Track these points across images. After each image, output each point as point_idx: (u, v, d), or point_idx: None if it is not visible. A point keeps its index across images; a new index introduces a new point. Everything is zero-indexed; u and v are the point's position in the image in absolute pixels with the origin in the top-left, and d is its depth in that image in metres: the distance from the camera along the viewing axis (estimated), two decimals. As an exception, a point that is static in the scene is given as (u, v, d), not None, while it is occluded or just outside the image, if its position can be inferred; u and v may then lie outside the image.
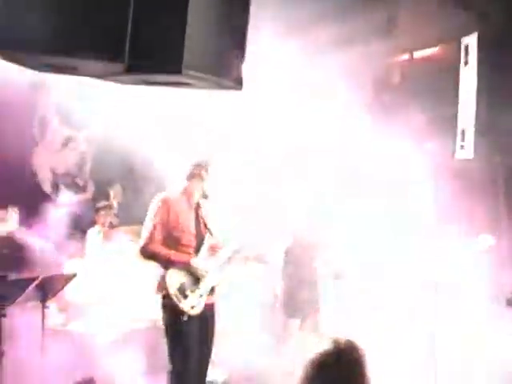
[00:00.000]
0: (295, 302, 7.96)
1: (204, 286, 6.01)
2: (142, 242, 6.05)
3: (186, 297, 5.90)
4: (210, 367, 6.34)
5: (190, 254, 6.05)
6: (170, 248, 6.02)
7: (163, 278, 5.98)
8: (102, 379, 6.94)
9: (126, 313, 7.97)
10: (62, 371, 6.53)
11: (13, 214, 7.80)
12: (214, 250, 6.12)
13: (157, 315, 6.28)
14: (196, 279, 5.98)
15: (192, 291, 5.92)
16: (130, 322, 8.10)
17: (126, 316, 8.02)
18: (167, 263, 5.99)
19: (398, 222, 8.38)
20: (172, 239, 6.04)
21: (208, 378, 6.44)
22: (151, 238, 5.98)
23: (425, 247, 7.91)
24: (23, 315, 7.34)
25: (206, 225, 6.22)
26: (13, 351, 6.35)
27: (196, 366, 6.03)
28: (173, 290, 5.90)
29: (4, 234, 7.79)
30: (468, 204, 8.41)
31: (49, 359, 6.65)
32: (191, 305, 5.92)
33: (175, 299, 5.88)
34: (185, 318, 5.86)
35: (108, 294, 7.84)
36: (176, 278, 5.93)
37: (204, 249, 6.09)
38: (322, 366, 2.92)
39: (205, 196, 6.24)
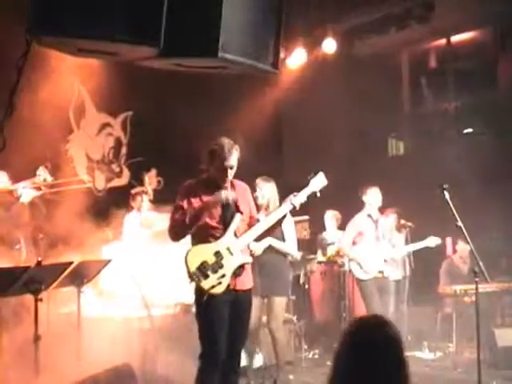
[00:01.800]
0: None
1: (228, 264, 5.78)
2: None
3: (206, 277, 5.79)
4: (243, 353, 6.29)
5: (217, 236, 5.86)
6: (197, 231, 5.85)
7: (186, 254, 5.87)
8: (139, 364, 6.95)
9: (162, 298, 7.99)
10: (98, 356, 6.54)
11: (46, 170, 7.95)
12: (243, 229, 5.90)
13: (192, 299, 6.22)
14: (220, 259, 5.78)
15: (214, 271, 5.77)
16: (166, 307, 8.13)
17: (163, 301, 8.04)
18: (187, 225, 5.81)
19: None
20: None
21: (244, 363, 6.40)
22: (172, 219, 5.90)
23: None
24: (59, 300, 7.41)
25: (236, 205, 6.04)
26: (49, 336, 6.38)
27: (228, 351, 5.94)
28: (193, 269, 5.80)
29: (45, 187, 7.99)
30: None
31: (85, 344, 6.69)
32: (211, 284, 5.77)
33: (195, 278, 5.78)
34: (204, 298, 5.74)
35: (144, 279, 7.86)
36: (198, 256, 5.76)
37: (231, 229, 5.93)
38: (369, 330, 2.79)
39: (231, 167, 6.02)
